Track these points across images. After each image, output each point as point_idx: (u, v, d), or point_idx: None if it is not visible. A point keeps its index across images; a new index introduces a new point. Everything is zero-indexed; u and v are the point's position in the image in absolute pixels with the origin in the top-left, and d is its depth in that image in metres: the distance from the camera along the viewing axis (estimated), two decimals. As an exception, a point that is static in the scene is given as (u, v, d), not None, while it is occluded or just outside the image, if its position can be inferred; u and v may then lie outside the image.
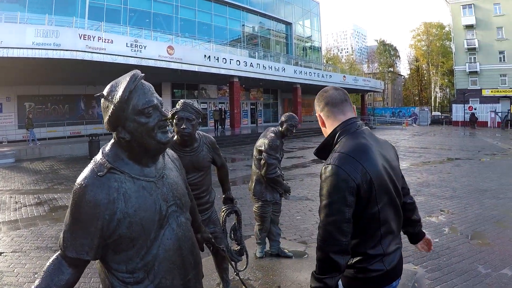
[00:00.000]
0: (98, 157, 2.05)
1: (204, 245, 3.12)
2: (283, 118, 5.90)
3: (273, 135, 5.74)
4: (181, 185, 2.34)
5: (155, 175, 2.13)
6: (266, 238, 6.18)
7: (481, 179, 13.49)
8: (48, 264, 1.93)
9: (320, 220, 2.21)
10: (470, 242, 7.15)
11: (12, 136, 30.51)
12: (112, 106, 1.97)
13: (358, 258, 2.32)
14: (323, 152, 2.47)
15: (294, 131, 5.92)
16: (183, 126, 3.81)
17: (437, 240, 7.30)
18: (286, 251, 6.19)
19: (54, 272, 1.89)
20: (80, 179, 1.94)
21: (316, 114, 2.60)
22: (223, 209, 4.60)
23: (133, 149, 2.05)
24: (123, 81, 2.00)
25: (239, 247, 4.61)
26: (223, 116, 36.08)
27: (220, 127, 36.46)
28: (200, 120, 4.00)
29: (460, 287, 5.34)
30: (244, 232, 7.75)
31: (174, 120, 3.88)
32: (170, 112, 3.89)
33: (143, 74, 2.08)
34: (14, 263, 6.63)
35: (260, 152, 5.72)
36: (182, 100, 3.97)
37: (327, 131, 2.51)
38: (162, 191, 2.12)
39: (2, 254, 7.11)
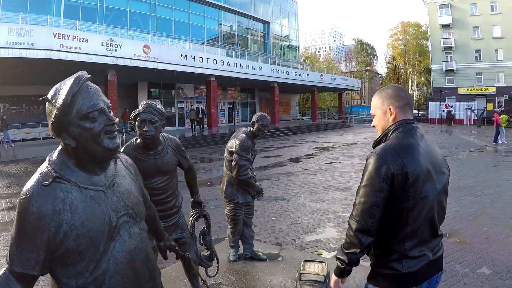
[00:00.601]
0: (44, 165, 1.91)
1: (169, 252, 3.00)
2: (254, 118, 5.77)
3: (244, 135, 5.61)
4: (135, 193, 2.20)
5: (105, 183, 2.00)
6: (240, 240, 6.06)
7: (458, 176, 13.59)
8: None
9: (355, 199, 2.42)
10: (447, 241, 7.14)
11: (-15, 138, 29.79)
12: (55, 111, 1.83)
13: (380, 251, 2.52)
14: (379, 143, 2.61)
15: (265, 131, 5.78)
16: (146, 128, 3.67)
17: (413, 239, 7.29)
18: (260, 254, 6.07)
19: None
20: (25, 189, 1.81)
21: (387, 107, 2.65)
22: (192, 214, 4.46)
23: (80, 156, 1.92)
24: (67, 83, 1.87)
25: (208, 252, 4.51)
26: (200, 116, 35.13)
27: (198, 126, 35.61)
28: (164, 122, 3.85)
29: (437, 288, 5.32)
30: (219, 234, 7.69)
31: (137, 123, 3.74)
32: (132, 114, 3.77)
33: (89, 76, 1.95)
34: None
35: (231, 153, 5.60)
36: (144, 101, 3.84)
37: (386, 125, 2.65)
38: (112, 201, 1.99)
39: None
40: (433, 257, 2.55)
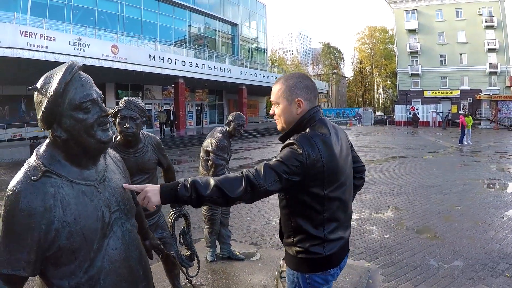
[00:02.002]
0: (32, 159, 1.83)
1: (153, 252, 2.95)
2: (230, 118, 5.76)
3: (220, 135, 5.57)
4: None
5: (96, 178, 1.93)
6: (217, 241, 6.03)
7: (426, 176, 13.93)
8: None
9: (264, 164, 2.29)
10: (420, 237, 7.32)
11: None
12: (46, 101, 1.75)
13: (301, 236, 2.47)
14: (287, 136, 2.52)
15: (241, 131, 5.78)
16: (127, 125, 3.59)
17: (387, 236, 7.44)
18: (238, 253, 6.08)
19: None
20: (12, 184, 1.72)
21: (295, 97, 2.54)
22: (171, 213, 4.37)
23: (71, 149, 1.84)
24: (58, 72, 1.79)
25: (189, 252, 4.45)
26: (172, 118, 33.66)
27: (168, 129, 34.39)
28: (144, 119, 3.80)
29: (414, 281, 5.40)
30: (194, 235, 7.61)
31: (117, 119, 3.65)
32: (112, 110, 3.68)
33: (81, 64, 1.88)
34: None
35: (207, 152, 5.55)
36: (125, 98, 3.75)
37: (293, 117, 2.54)
38: (104, 196, 1.93)
39: None
40: (346, 238, 2.63)
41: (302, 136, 2.36)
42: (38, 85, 1.82)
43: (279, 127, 2.66)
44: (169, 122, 32.56)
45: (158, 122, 33.84)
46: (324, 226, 2.43)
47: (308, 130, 2.46)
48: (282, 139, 2.56)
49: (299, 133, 2.42)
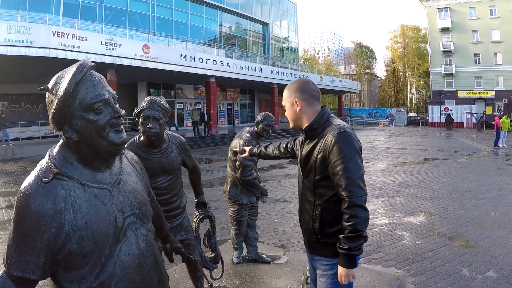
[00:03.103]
0: (44, 160, 1.77)
1: (174, 254, 2.87)
2: (258, 118, 5.63)
3: (248, 135, 5.45)
4: (141, 192, 2.06)
5: (110, 181, 1.86)
6: (243, 242, 5.92)
7: (459, 180, 13.49)
8: None
9: (348, 176, 2.54)
10: (452, 244, 7.02)
11: (-17, 136, 29.75)
12: (56, 101, 1.69)
13: (338, 228, 2.72)
14: (311, 130, 2.89)
15: (270, 131, 5.65)
16: (150, 125, 3.51)
17: (419, 242, 7.17)
18: (264, 256, 5.95)
19: None
20: (23, 186, 1.67)
21: (293, 100, 2.97)
22: (196, 215, 4.31)
23: (83, 151, 1.77)
24: (69, 72, 1.73)
25: (213, 254, 4.36)
26: (206, 119, 32.40)
27: (201, 127, 32.90)
28: (168, 119, 3.71)
29: (445, 292, 5.18)
30: (221, 236, 7.55)
31: (140, 119, 3.58)
32: (136, 110, 3.61)
33: (93, 64, 1.82)
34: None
35: (235, 153, 5.44)
36: (148, 97, 3.67)
37: (305, 116, 2.94)
38: (118, 200, 1.85)
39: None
40: None
41: (346, 130, 2.69)
42: (50, 85, 1.77)
43: (290, 125, 3.11)
44: (202, 123, 31.83)
45: (191, 121, 33.03)
46: None
47: (333, 122, 2.83)
48: (309, 132, 2.92)
49: (335, 126, 2.74)
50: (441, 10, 61.04)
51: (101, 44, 24.69)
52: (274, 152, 3.70)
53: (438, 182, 13.04)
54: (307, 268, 4.65)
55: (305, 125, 2.93)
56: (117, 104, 1.85)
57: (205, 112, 31.32)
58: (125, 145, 3.61)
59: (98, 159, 1.81)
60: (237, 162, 5.36)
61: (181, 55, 31.21)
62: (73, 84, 1.67)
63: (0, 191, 13.22)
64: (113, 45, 25.28)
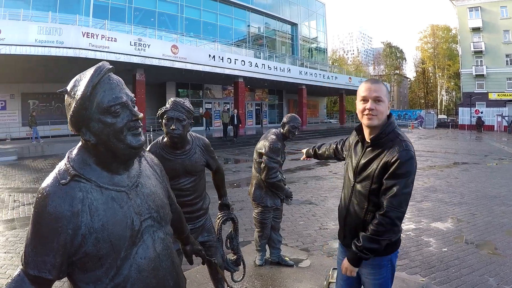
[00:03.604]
0: (63, 162, 1.79)
1: (195, 256, 2.89)
2: (285, 120, 5.58)
3: (274, 137, 5.42)
4: (160, 195, 2.05)
5: (128, 184, 1.86)
6: (267, 245, 5.88)
7: (489, 185, 13.15)
8: (10, 280, 1.70)
9: (396, 189, 2.68)
10: (479, 252, 6.81)
11: (16, 133, 30.64)
12: (74, 104, 1.69)
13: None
14: (378, 138, 2.90)
15: (296, 133, 5.59)
16: (173, 127, 3.50)
17: (445, 249, 7.00)
18: (287, 259, 5.91)
19: None
20: (41, 187, 1.69)
21: (384, 99, 2.90)
22: (219, 216, 4.30)
23: (101, 154, 1.78)
24: (87, 74, 1.73)
25: (235, 257, 4.35)
26: (236, 122, 31.04)
27: (229, 127, 31.44)
28: (192, 120, 3.68)
29: (470, 302, 5.06)
30: (245, 237, 7.53)
31: (164, 120, 3.58)
32: (159, 111, 3.62)
33: (111, 66, 1.81)
34: (7, 264, 6.48)
35: (260, 155, 5.42)
36: (172, 99, 3.66)
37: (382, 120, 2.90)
38: (135, 203, 1.85)
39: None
40: None
41: (409, 149, 2.78)
42: (68, 87, 1.78)
43: (374, 122, 2.87)
44: (232, 125, 30.92)
45: (221, 123, 32.15)
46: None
47: (399, 135, 2.89)
48: (376, 140, 2.91)
49: (401, 142, 2.81)
50: (471, 9, 59.77)
51: (130, 44, 25.05)
52: (325, 152, 4.01)
53: (467, 187, 12.75)
54: (330, 273, 4.62)
55: (374, 131, 2.93)
56: (135, 107, 1.84)
57: (235, 115, 30.74)
58: (148, 148, 3.64)
59: (116, 162, 1.82)
60: (262, 164, 5.33)
61: (209, 55, 31.40)
62: (90, 87, 1.67)
63: (29, 187, 13.46)
64: (142, 45, 25.59)
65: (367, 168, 2.89)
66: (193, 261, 2.91)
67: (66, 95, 1.77)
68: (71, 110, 1.71)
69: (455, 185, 13.23)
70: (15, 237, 7.85)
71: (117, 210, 1.76)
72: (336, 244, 7.31)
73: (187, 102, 3.66)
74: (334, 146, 3.86)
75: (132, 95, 1.86)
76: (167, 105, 3.59)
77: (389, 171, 2.73)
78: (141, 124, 1.85)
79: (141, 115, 1.83)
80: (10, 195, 12.06)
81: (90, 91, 1.67)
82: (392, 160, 2.73)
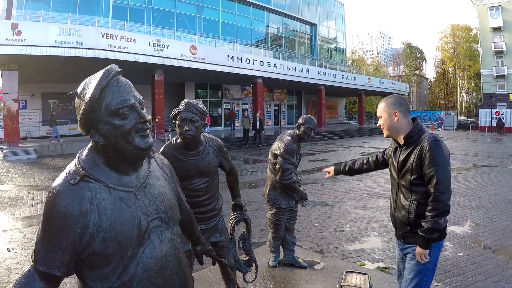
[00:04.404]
0: (73, 162, 1.84)
1: (205, 257, 2.90)
2: (300, 121, 5.56)
3: (289, 138, 5.41)
4: (169, 196, 2.07)
5: (136, 184, 1.89)
6: (280, 246, 5.88)
7: (509, 189, 12.88)
8: (20, 276, 1.75)
9: (437, 176, 3.15)
10: (496, 258, 6.66)
11: (36, 132, 31.10)
12: (83, 106, 1.73)
13: None
14: (409, 139, 3.42)
15: (311, 135, 5.57)
16: (186, 128, 3.52)
17: (461, 254, 6.88)
18: (301, 261, 5.89)
19: (26, 286, 1.70)
20: (52, 187, 1.75)
21: (392, 111, 3.49)
22: (232, 217, 4.32)
23: (110, 155, 1.81)
24: (96, 77, 1.76)
25: (247, 258, 4.35)
26: (258, 127, 29.23)
27: (254, 132, 29.40)
28: (205, 121, 3.71)
29: (485, 308, 4.97)
30: (260, 238, 7.52)
31: (177, 122, 3.60)
32: (172, 113, 3.65)
33: (119, 69, 1.84)
34: (23, 260, 6.60)
35: (275, 156, 5.42)
36: (185, 100, 3.69)
37: (401, 126, 3.46)
38: (143, 203, 1.88)
39: (12, 250, 7.11)
40: None
41: (437, 138, 3.26)
42: (78, 90, 1.82)
43: (384, 134, 3.61)
44: (254, 130, 29.36)
45: (242, 129, 30.45)
46: None
47: (426, 131, 3.40)
48: (408, 139, 3.44)
49: (428, 135, 3.31)
50: (492, 8, 59.11)
51: (149, 45, 25.22)
52: (364, 166, 4.27)
53: (486, 191, 12.52)
54: (342, 276, 4.61)
55: (401, 133, 3.46)
56: (143, 109, 1.87)
57: (257, 119, 29.62)
58: (162, 148, 3.67)
59: (125, 163, 1.85)
60: (277, 165, 5.33)
61: (228, 55, 31.47)
62: (99, 90, 1.70)
63: (48, 185, 13.60)
64: (160, 46, 25.77)
65: (406, 164, 3.37)
66: (203, 262, 2.92)
67: (76, 97, 1.81)
68: (81, 112, 1.74)
69: (474, 188, 13.03)
70: (33, 234, 7.97)
71: (124, 210, 1.80)
72: (351, 246, 7.30)
73: (200, 104, 3.68)
74: (375, 158, 4.18)
75: (141, 97, 1.88)
76: (180, 107, 3.61)
77: (426, 162, 3.20)
78: (149, 126, 1.88)
79: (149, 117, 1.86)
80: (29, 193, 12.27)
81: (98, 93, 1.70)
82: (425, 151, 3.21)
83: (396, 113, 3.47)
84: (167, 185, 2.11)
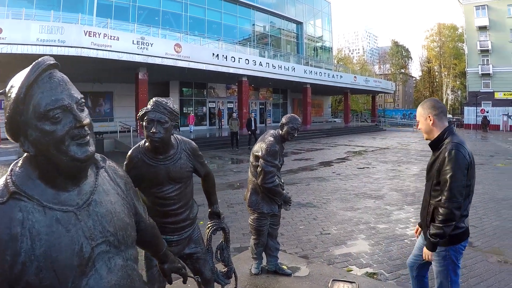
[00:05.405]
0: (4, 176, 1.49)
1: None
2: (283, 120, 5.28)
3: (272, 139, 5.12)
4: (120, 214, 1.72)
5: (77, 202, 1.54)
6: (263, 252, 5.58)
7: (497, 187, 12.79)
8: None
9: (448, 184, 3.35)
10: (488, 260, 6.47)
11: (17, 133, 30.36)
12: (8, 108, 1.41)
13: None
14: (435, 144, 3.68)
15: (296, 135, 5.30)
16: (153, 129, 3.13)
17: (452, 257, 6.63)
18: (285, 267, 5.60)
19: None
20: None
21: (427, 115, 3.72)
22: (209, 226, 3.98)
23: (43, 167, 1.48)
24: (24, 72, 1.42)
25: (226, 269, 4.06)
26: (253, 127, 27.95)
27: (249, 133, 28.24)
28: (175, 122, 3.33)
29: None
30: (242, 242, 7.26)
31: (144, 123, 3.22)
32: (140, 113, 3.29)
33: (53, 62, 1.49)
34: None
35: (257, 158, 5.13)
36: (154, 98, 3.30)
37: (435, 129, 3.68)
38: (86, 225, 1.53)
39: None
40: None
41: (457, 148, 3.43)
42: (7, 88, 1.47)
43: (424, 137, 3.88)
44: (249, 131, 28.01)
45: (230, 132, 28.25)
46: (467, 206, 3.61)
47: (454, 137, 3.58)
48: (432, 145, 3.75)
49: (452, 142, 3.51)
50: (478, 7, 59.19)
51: (133, 43, 24.80)
52: None
53: (474, 189, 12.24)
54: (329, 285, 4.38)
55: (434, 137, 3.69)
56: (84, 110, 1.54)
57: (252, 119, 28.45)
58: (129, 152, 3.33)
59: (61, 177, 1.51)
60: (258, 168, 5.04)
61: (213, 54, 31.13)
62: (24, 87, 1.38)
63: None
64: (144, 44, 25.36)
65: (432, 169, 3.65)
66: (172, 280, 2.65)
67: (4, 97, 1.48)
68: (6, 115, 1.42)
69: None
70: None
71: (62, 234, 1.46)
72: (337, 250, 7.06)
73: (170, 102, 3.30)
74: None
75: (79, 96, 1.54)
76: (148, 106, 3.25)
77: (443, 169, 3.43)
78: (89, 131, 1.54)
79: (87, 120, 1.52)
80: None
81: (24, 92, 1.38)
82: (444, 159, 3.44)
83: (430, 117, 3.69)
84: (119, 201, 1.76)
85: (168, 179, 3.38)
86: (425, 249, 3.57)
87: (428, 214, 3.64)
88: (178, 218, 3.50)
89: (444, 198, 3.37)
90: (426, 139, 3.82)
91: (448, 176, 3.36)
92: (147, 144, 3.35)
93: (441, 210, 3.39)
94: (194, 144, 3.67)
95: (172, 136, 3.40)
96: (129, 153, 3.38)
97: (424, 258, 3.64)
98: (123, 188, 1.86)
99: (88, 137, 1.53)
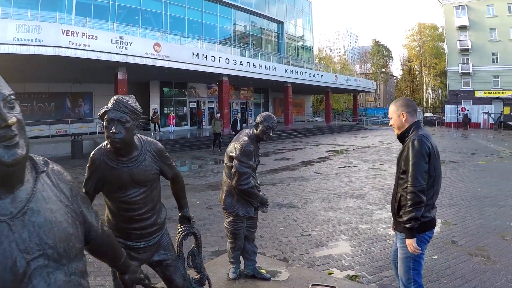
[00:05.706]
0: None
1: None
2: (258, 119, 5.10)
3: (246, 139, 4.93)
4: (62, 223, 1.50)
5: (11, 211, 1.34)
6: (241, 256, 5.39)
7: (478, 184, 12.75)
8: None
9: (410, 171, 3.64)
10: (472, 260, 6.32)
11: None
12: None
13: None
14: (402, 137, 3.97)
15: (271, 134, 5.10)
16: (113, 129, 2.89)
17: (435, 257, 6.48)
18: (263, 271, 5.40)
19: None
20: None
21: (400, 112, 4.01)
22: (179, 231, 3.76)
23: None
24: None
25: (199, 276, 3.85)
26: (239, 127, 25.60)
27: (234, 133, 24.27)
28: (138, 122, 3.08)
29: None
30: (220, 245, 7.07)
31: (104, 122, 2.96)
32: (100, 112, 3.03)
33: None
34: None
35: (231, 158, 4.93)
36: (115, 96, 3.05)
37: (407, 125, 3.95)
38: (21, 237, 1.33)
39: None
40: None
41: (418, 138, 3.72)
42: None
43: (395, 131, 4.13)
44: (235, 132, 24.89)
45: (213, 133, 26.36)
46: (433, 196, 3.81)
47: (418, 130, 3.88)
48: (400, 139, 4.05)
49: (415, 134, 3.80)
50: (458, 7, 59.63)
51: (111, 42, 24.45)
52: None
53: (456, 187, 12.32)
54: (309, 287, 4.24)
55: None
56: (14, 108, 1.35)
57: (238, 119, 27.15)
58: (92, 154, 3.09)
59: None
60: (232, 169, 4.85)
61: (193, 53, 30.89)
62: None
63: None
64: (123, 43, 25.04)
65: (399, 160, 3.91)
66: None
67: None
68: None
69: (444, 184, 12.45)
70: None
71: None
72: (318, 252, 6.88)
73: (132, 101, 3.06)
74: None
75: (9, 92, 1.34)
76: (109, 105, 3.00)
77: (405, 159, 3.73)
78: (17, 132, 1.34)
79: (13, 119, 1.31)
80: None
81: None
82: (406, 149, 3.75)
83: (403, 114, 3.98)
84: (61, 209, 1.55)
85: (132, 182, 3.15)
86: (407, 241, 3.69)
87: (396, 202, 3.89)
88: (145, 223, 3.28)
89: (409, 183, 3.62)
90: (397, 134, 4.08)
91: (410, 163, 3.65)
92: (109, 145, 3.12)
93: (408, 196, 3.61)
94: (160, 144, 3.44)
95: (135, 137, 3.16)
96: (91, 154, 3.14)
97: (409, 249, 3.70)
98: (68, 195, 1.65)
99: (16, 138, 1.33)
